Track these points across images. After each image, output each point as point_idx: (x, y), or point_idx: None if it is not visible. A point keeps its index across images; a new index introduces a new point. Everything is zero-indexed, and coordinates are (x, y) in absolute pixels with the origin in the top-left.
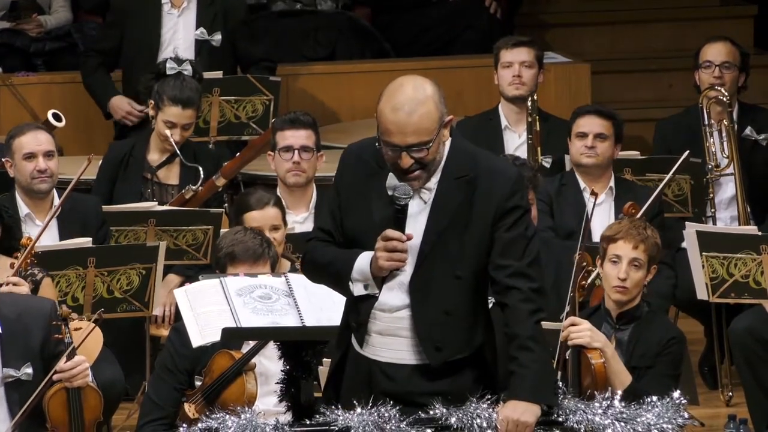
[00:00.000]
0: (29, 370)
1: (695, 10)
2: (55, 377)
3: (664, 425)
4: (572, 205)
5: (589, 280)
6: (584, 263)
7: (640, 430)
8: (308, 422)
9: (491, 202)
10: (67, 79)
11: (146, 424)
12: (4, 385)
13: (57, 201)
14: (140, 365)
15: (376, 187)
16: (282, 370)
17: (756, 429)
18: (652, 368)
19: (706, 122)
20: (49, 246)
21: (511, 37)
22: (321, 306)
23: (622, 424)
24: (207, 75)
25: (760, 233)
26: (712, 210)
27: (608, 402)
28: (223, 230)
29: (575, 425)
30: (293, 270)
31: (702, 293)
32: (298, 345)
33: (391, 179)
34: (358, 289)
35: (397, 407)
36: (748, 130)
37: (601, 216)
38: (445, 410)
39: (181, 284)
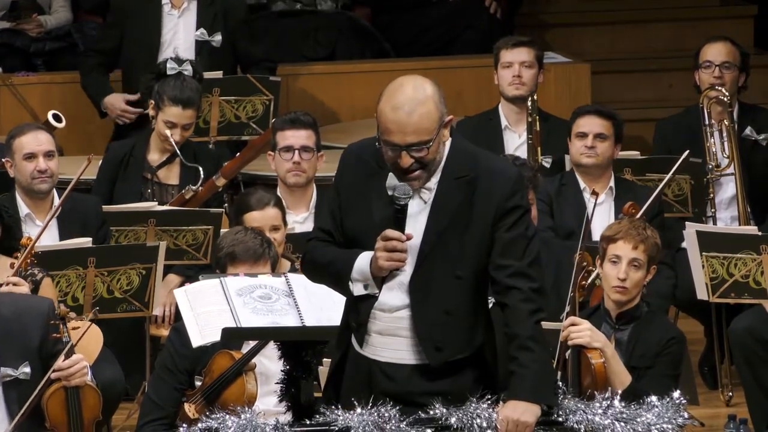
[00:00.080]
0: (27, 369)
1: (695, 10)
2: (53, 375)
3: (664, 425)
4: (572, 205)
5: (589, 280)
6: (584, 263)
7: (640, 430)
8: (308, 422)
9: (491, 202)
10: (67, 79)
11: (146, 424)
12: (2, 384)
13: (57, 201)
14: (140, 365)
15: (376, 187)
16: (282, 370)
17: (756, 429)
18: (651, 368)
19: (707, 122)
20: (49, 246)
21: (511, 37)
22: (321, 306)
23: (622, 424)
24: (207, 75)
25: (760, 233)
26: (713, 210)
27: (608, 402)
28: (223, 230)
29: (575, 425)
30: (293, 270)
31: (702, 293)
32: (298, 345)
33: (391, 179)
34: (358, 289)
35: (397, 407)
36: (748, 130)
37: (601, 216)
38: (445, 410)
39: (181, 284)
